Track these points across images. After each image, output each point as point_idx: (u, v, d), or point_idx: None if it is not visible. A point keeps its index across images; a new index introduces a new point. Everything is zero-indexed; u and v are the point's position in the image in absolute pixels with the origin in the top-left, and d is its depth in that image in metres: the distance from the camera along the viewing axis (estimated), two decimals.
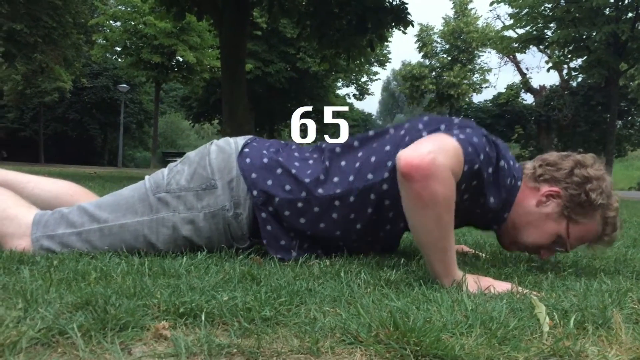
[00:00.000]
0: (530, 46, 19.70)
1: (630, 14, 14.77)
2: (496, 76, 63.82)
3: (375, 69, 31.14)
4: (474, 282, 1.32)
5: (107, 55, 25.61)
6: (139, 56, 21.75)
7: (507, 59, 27.50)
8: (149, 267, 1.34)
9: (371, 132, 1.65)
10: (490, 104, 26.72)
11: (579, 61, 17.85)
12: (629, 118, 24.25)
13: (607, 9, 15.08)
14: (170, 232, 1.56)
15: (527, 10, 17.53)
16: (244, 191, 1.57)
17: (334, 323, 0.95)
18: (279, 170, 1.59)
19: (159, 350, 0.82)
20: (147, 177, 1.65)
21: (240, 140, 1.69)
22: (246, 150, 1.64)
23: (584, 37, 15.89)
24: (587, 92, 23.35)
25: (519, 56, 26.85)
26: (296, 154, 1.67)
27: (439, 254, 1.33)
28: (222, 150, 1.63)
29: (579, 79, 23.61)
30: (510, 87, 26.63)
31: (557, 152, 1.66)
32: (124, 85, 26.91)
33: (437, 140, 1.36)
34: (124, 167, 27.45)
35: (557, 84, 26.02)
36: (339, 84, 29.71)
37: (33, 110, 30.47)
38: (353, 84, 30.14)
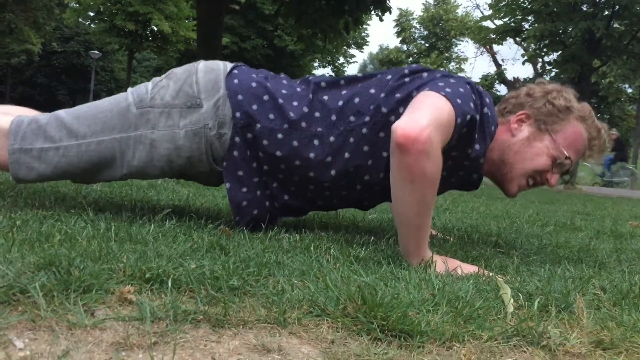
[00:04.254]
0: (507, 38, 19.85)
1: (606, 12, 14.97)
2: (472, 66, 64.09)
3: (353, 51, 31.08)
4: (442, 263, 1.33)
5: (80, 19, 24.94)
6: (113, 22, 21.27)
7: (484, 50, 27.68)
8: (115, 233, 1.31)
9: (360, 75, 1.64)
10: None
11: (554, 55, 18.07)
12: (598, 115, 24.70)
13: (585, 5, 15.26)
14: (147, 149, 1.54)
15: (506, 1, 17.63)
16: (229, 111, 1.54)
17: (302, 295, 0.95)
18: (266, 97, 1.56)
19: (123, 314, 0.81)
20: (129, 89, 1.62)
21: (229, 63, 1.66)
22: (235, 71, 1.61)
23: (560, 31, 16.06)
24: None
25: (495, 47, 27.06)
26: (284, 82, 1.65)
27: (414, 230, 1.34)
28: (210, 70, 1.60)
29: (553, 74, 23.91)
30: (485, 78, 26.86)
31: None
32: (96, 52, 26.30)
33: (431, 107, 1.34)
34: None
35: (531, 77, 26.32)
36: (315, 64, 29.55)
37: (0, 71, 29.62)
38: (329, 64, 30.01)
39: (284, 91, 1.58)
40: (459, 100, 1.38)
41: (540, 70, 24.50)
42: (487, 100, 1.53)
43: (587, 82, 15.42)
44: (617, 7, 14.38)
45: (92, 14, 22.69)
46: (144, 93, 1.57)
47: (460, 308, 0.96)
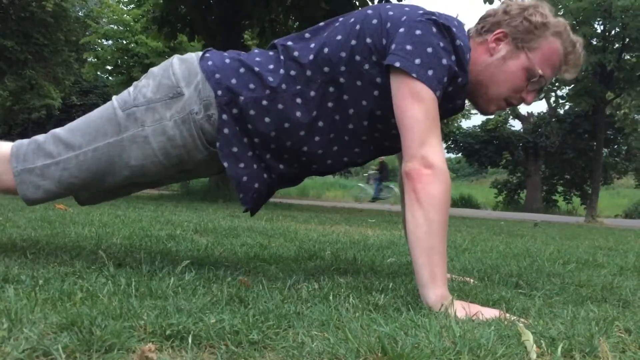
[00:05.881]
0: None
1: (616, 44, 15.03)
2: None
3: None
4: (462, 308, 1.32)
5: (98, 73, 25.57)
6: (130, 75, 21.72)
7: None
8: (136, 288, 1.32)
9: (322, 24, 1.67)
10: (478, 130, 26.91)
11: (567, 89, 18.09)
12: (615, 146, 24.49)
13: (594, 39, 15.34)
14: (142, 147, 1.57)
15: None
16: (211, 92, 1.57)
17: (322, 347, 0.95)
18: (242, 70, 1.60)
19: None
20: (114, 97, 1.67)
21: (200, 52, 1.71)
22: (207, 55, 1.66)
23: None
24: (574, 120, 23.59)
25: None
26: (256, 51, 1.69)
27: (426, 254, 1.36)
28: (184, 60, 1.65)
29: (566, 107, 23.89)
30: (498, 114, 26.87)
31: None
32: None
33: (417, 125, 1.41)
34: None
35: (545, 111, 26.31)
36: None
37: (21, 126, 30.29)
38: None
39: (257, 59, 1.63)
40: (430, 73, 1.44)
41: (553, 105, 24.52)
42: (456, 31, 1.54)
43: (602, 114, 15.36)
44: (627, 39, 14.44)
45: (109, 67, 23.26)
46: (126, 96, 1.63)
47: (482, 356, 0.95)
